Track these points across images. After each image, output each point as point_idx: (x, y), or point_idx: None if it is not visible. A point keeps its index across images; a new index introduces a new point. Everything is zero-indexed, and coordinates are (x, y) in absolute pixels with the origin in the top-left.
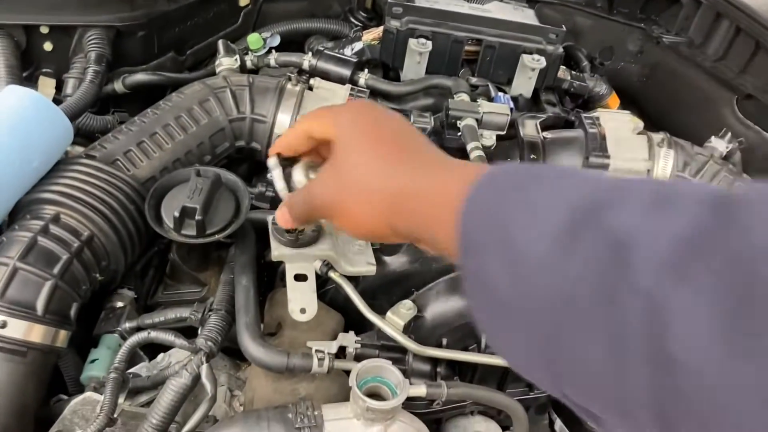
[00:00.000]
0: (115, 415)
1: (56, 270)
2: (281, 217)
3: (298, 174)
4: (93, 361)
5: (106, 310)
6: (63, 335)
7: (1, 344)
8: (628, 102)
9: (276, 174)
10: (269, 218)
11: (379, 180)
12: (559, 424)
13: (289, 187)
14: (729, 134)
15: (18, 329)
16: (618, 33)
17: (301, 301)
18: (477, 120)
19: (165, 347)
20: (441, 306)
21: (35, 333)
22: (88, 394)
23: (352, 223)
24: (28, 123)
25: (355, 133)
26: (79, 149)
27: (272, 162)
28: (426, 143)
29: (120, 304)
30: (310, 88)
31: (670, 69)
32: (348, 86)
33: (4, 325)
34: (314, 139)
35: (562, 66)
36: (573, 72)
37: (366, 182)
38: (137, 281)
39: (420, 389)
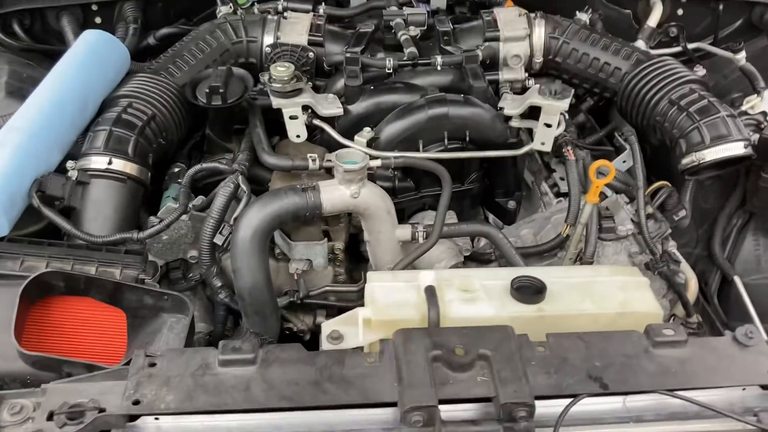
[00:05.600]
0: (186, 218)
1: (136, 132)
2: None
3: None
4: (167, 196)
5: (168, 175)
6: (145, 173)
7: (110, 174)
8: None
9: None
10: (264, 78)
11: None
12: (492, 217)
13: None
14: (590, 9)
15: (119, 165)
16: None
17: (296, 131)
18: (404, 20)
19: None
20: (391, 128)
21: (129, 167)
22: (169, 205)
23: None
24: (105, 52)
25: None
26: None
27: None
28: None
29: (176, 169)
30: (285, 18)
31: None
32: (311, 14)
33: (110, 162)
34: None
35: None
36: None
37: None
38: (186, 159)
39: (376, 162)
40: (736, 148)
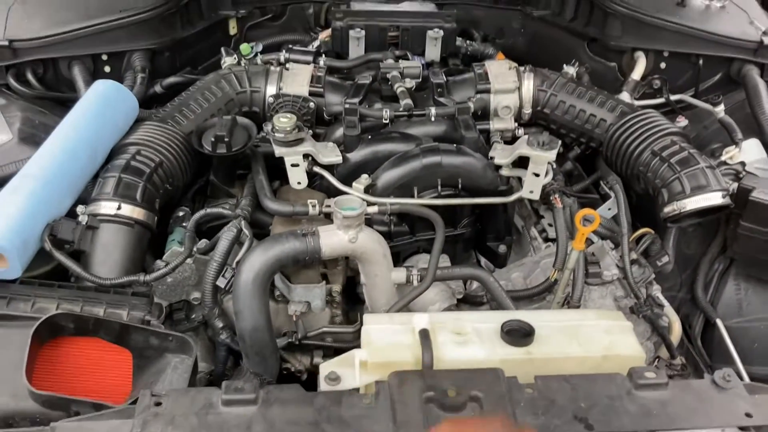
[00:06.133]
0: (190, 261)
1: (144, 178)
2: None
3: None
4: (172, 240)
5: (173, 219)
6: (152, 217)
7: (119, 219)
8: (521, 64)
9: None
10: (267, 128)
11: None
12: (483, 260)
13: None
14: (576, 62)
15: (127, 210)
16: (504, 16)
17: (297, 178)
18: (400, 72)
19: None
20: (387, 176)
21: (137, 212)
22: (174, 249)
23: None
24: (114, 101)
25: None
26: None
27: None
28: None
29: (181, 213)
30: (287, 69)
31: (543, 33)
32: (312, 65)
33: (119, 208)
34: None
35: (459, 38)
36: (468, 42)
37: None
38: (190, 203)
39: (373, 208)
40: (714, 198)
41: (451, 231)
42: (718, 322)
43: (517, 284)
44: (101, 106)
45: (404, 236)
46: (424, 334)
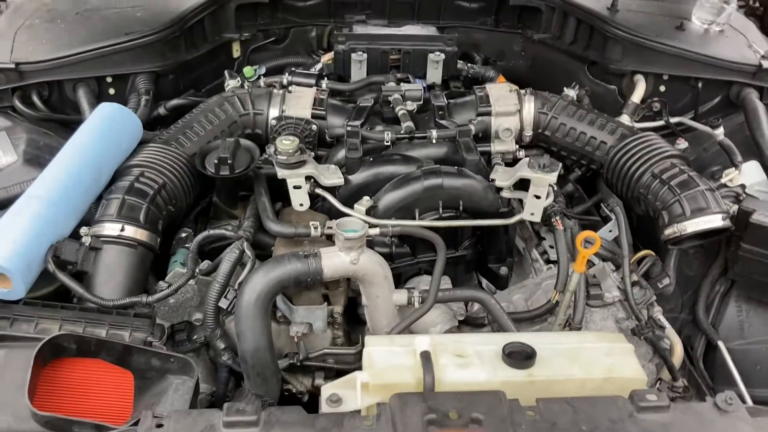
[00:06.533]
0: (192, 282)
1: (147, 200)
2: None
3: None
4: (174, 261)
5: (175, 240)
6: (155, 239)
7: (122, 241)
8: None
9: None
10: (270, 150)
11: None
12: (485, 282)
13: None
14: (577, 85)
15: (130, 231)
16: (505, 40)
17: (299, 200)
18: (401, 95)
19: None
20: (389, 197)
21: (140, 234)
22: (176, 270)
23: None
24: (119, 124)
25: None
26: None
27: None
28: None
29: (184, 234)
30: (289, 92)
31: (543, 56)
32: (314, 88)
33: (122, 229)
34: None
35: (460, 61)
36: (469, 65)
37: None
38: (192, 224)
39: (375, 230)
40: (715, 221)
41: (453, 253)
42: (720, 344)
43: (519, 306)
44: (105, 129)
45: (406, 258)
46: (426, 357)
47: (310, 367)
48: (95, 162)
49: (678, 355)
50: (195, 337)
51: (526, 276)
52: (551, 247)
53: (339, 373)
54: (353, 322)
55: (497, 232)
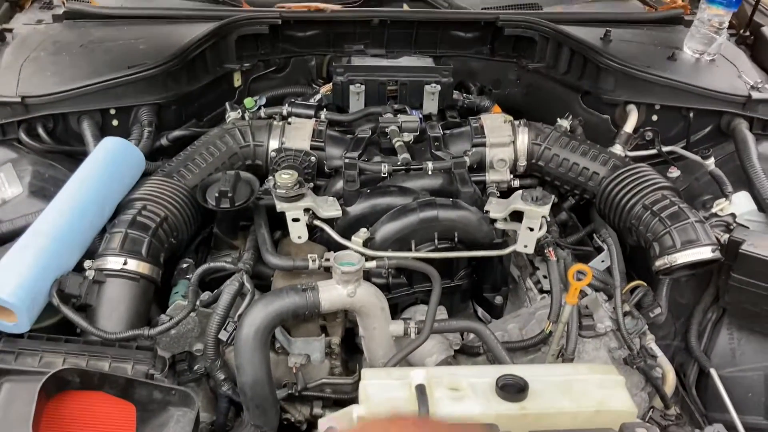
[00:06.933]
0: (193, 314)
1: (149, 233)
2: None
3: None
4: (175, 292)
5: (177, 271)
6: (157, 271)
7: (124, 274)
8: (517, 114)
9: None
10: (269, 184)
11: None
12: (480, 310)
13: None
14: (570, 116)
15: (133, 265)
16: (501, 68)
17: (298, 232)
18: (398, 126)
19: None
20: (385, 229)
21: (142, 267)
22: (177, 302)
23: None
24: (122, 158)
25: None
26: None
27: None
28: None
29: (185, 265)
30: (289, 123)
31: (538, 85)
32: (313, 119)
33: (125, 263)
34: None
35: (456, 91)
36: (464, 95)
37: None
38: (193, 255)
39: (371, 263)
40: (704, 252)
41: (448, 283)
42: (712, 371)
43: (513, 335)
44: (109, 163)
45: (403, 288)
46: (421, 390)
47: (308, 396)
48: (99, 196)
49: (670, 384)
50: (196, 367)
51: (521, 304)
52: (545, 276)
53: (337, 403)
54: (351, 351)
55: (492, 262)
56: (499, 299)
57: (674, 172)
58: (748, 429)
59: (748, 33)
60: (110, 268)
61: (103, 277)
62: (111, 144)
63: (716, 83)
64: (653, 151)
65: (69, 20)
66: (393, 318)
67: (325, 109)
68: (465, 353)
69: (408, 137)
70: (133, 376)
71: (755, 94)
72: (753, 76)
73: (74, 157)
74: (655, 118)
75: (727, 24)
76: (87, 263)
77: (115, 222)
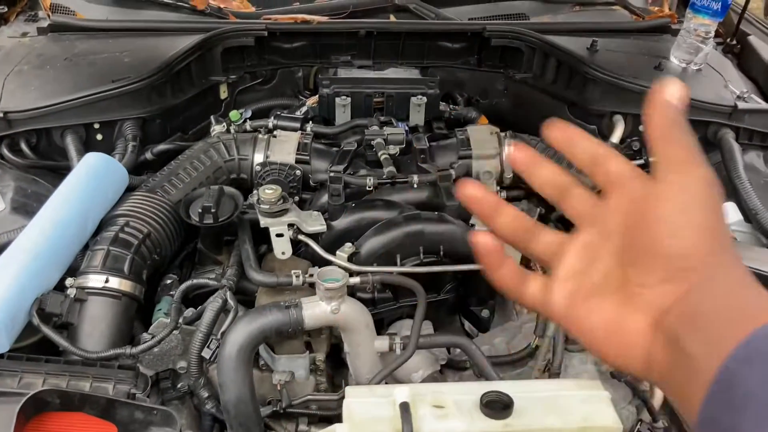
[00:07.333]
0: (176, 332)
1: (132, 250)
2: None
3: None
4: (158, 309)
5: (160, 287)
6: (139, 289)
7: (106, 292)
8: (504, 125)
9: None
10: (253, 198)
11: None
12: (468, 324)
13: None
14: None
15: (114, 282)
16: (488, 79)
17: (281, 248)
18: (384, 139)
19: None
20: (370, 244)
21: (124, 285)
22: (160, 320)
23: None
24: (105, 174)
25: None
26: None
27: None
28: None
29: (168, 281)
30: (274, 136)
31: (526, 95)
32: (299, 132)
33: (107, 281)
34: None
35: (442, 102)
36: (451, 106)
37: None
38: (178, 270)
39: (355, 279)
40: None
41: (435, 297)
42: None
43: (501, 349)
44: (91, 180)
45: (388, 302)
46: (405, 408)
47: (293, 413)
48: (81, 213)
49: (658, 397)
50: (180, 385)
51: (509, 317)
52: None
53: (323, 419)
54: (338, 365)
55: (478, 276)
56: (485, 313)
57: None
58: None
59: (734, 42)
60: (92, 286)
61: (84, 295)
62: (93, 160)
63: (703, 93)
64: (640, 162)
65: (54, 33)
66: (379, 333)
67: (311, 122)
68: (452, 368)
69: (394, 150)
70: (115, 396)
71: (741, 104)
72: (739, 85)
73: (58, 172)
74: (641, 128)
75: (713, 33)
76: (69, 281)
77: (97, 239)
